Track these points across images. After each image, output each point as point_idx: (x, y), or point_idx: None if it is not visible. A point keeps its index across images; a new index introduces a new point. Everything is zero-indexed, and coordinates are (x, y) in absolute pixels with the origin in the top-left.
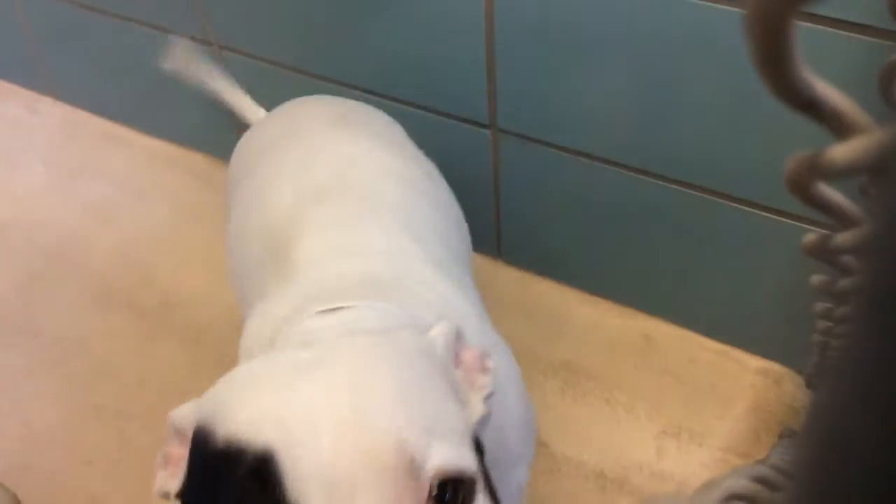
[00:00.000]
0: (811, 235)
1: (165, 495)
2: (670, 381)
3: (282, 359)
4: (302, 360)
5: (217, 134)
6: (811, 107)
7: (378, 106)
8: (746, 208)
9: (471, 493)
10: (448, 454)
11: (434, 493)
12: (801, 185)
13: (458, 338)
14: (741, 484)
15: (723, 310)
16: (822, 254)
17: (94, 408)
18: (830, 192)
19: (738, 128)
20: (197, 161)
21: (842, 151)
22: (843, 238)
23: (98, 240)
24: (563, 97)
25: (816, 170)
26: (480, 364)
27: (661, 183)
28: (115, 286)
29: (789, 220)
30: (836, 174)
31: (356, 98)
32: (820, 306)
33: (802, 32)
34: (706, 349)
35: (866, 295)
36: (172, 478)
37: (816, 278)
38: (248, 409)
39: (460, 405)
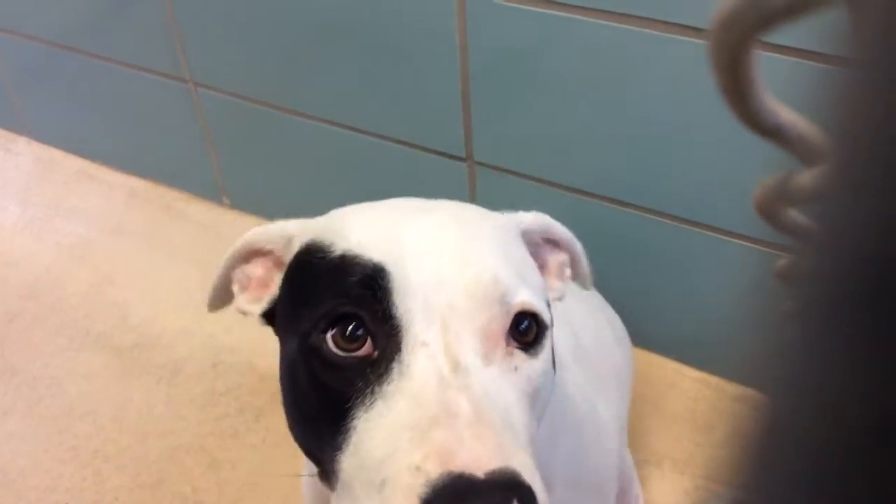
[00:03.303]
0: (783, 261)
1: (246, 314)
2: (650, 410)
3: (394, 201)
4: (413, 204)
5: (193, 170)
6: (776, 133)
7: (355, 140)
8: (723, 237)
9: (542, 335)
10: (532, 296)
11: (512, 323)
12: (770, 211)
13: (545, 230)
14: None
15: (700, 337)
16: (796, 279)
17: (69, 448)
18: (799, 217)
19: (709, 157)
20: (172, 197)
21: (809, 177)
22: None
23: (73, 279)
24: (538, 130)
25: (785, 195)
26: (561, 271)
27: (635, 213)
28: (90, 325)
29: (765, 248)
30: (805, 200)
31: (333, 132)
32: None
33: (767, 62)
34: (685, 377)
35: (805, 296)
36: (257, 301)
37: (790, 303)
38: (365, 231)
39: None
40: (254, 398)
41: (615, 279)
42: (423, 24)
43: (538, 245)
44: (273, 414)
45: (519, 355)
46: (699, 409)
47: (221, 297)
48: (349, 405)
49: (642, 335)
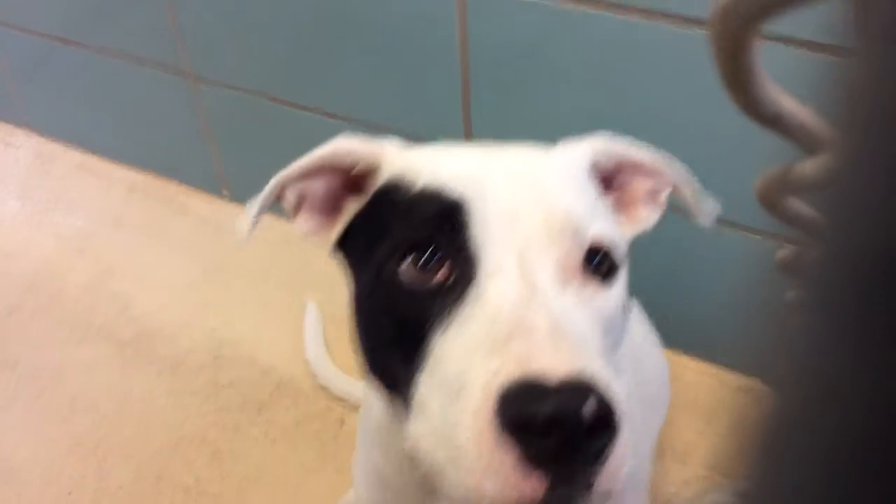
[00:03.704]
0: (784, 251)
1: (308, 238)
2: None
3: (475, 144)
4: (491, 147)
5: (193, 163)
6: (778, 122)
7: (355, 132)
8: (725, 228)
9: (615, 268)
10: (605, 229)
11: (586, 257)
12: (772, 201)
13: (620, 157)
14: (723, 500)
15: (702, 328)
16: (798, 269)
17: (71, 440)
18: (801, 206)
19: (711, 147)
20: (172, 191)
21: (811, 166)
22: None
23: (74, 271)
24: (538, 121)
25: (787, 185)
26: (652, 198)
27: None
28: (91, 317)
29: (765, 238)
30: (806, 189)
31: (333, 124)
32: (797, 297)
33: (769, 53)
34: (688, 368)
35: (813, 287)
36: (323, 228)
37: (793, 293)
38: (447, 167)
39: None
40: (256, 391)
41: None
42: (423, 16)
43: (619, 172)
44: (275, 407)
45: (592, 287)
46: (700, 399)
47: (261, 214)
48: (425, 330)
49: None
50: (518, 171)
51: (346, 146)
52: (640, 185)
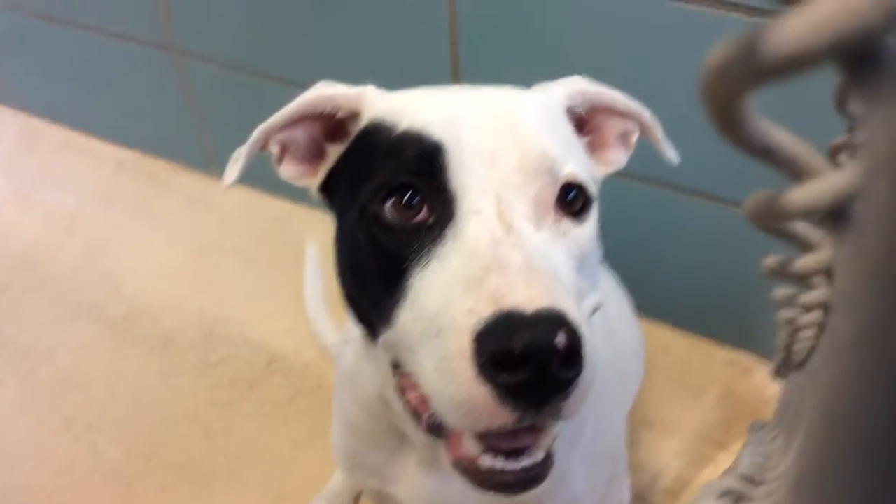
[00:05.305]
0: (772, 258)
1: (296, 184)
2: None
3: (454, 88)
4: (470, 90)
5: (181, 141)
6: (767, 154)
7: None
8: (711, 203)
9: (588, 205)
10: (578, 168)
11: (560, 194)
12: (762, 222)
13: (593, 101)
14: (730, 485)
15: (691, 302)
16: (785, 276)
17: (63, 420)
18: (794, 224)
19: (687, 118)
20: (160, 168)
21: (799, 195)
22: (803, 262)
23: (63, 250)
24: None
25: (775, 211)
26: (624, 140)
27: (623, 180)
28: (81, 296)
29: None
30: (794, 216)
31: None
32: (784, 294)
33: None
34: (676, 341)
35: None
36: (307, 174)
37: (780, 292)
38: (426, 111)
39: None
40: (247, 368)
41: (605, 245)
42: None
43: (592, 115)
44: (267, 384)
45: (567, 222)
46: (690, 373)
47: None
48: (406, 265)
49: (634, 301)
50: (496, 112)
51: (327, 93)
52: (612, 128)
